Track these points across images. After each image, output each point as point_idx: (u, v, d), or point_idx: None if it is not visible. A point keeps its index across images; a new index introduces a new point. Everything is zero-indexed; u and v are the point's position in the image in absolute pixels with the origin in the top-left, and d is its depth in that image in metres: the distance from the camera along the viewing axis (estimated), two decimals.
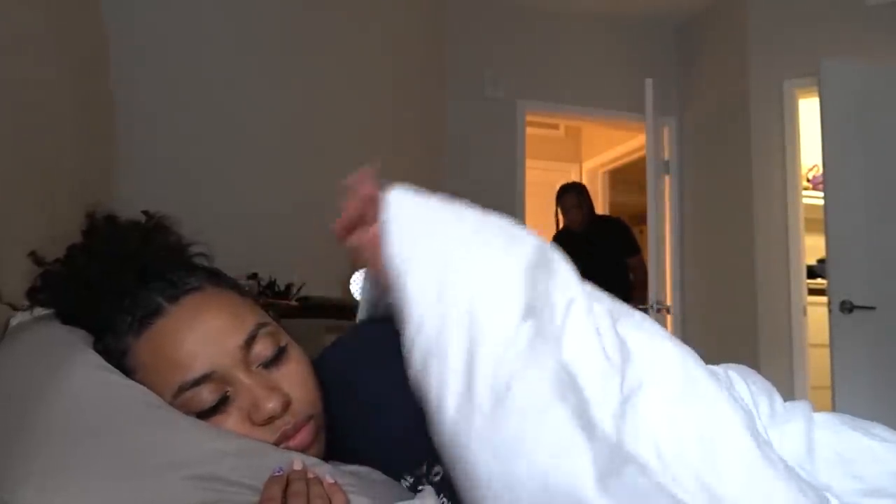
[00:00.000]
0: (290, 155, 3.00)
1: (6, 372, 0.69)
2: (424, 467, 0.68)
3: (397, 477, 0.70)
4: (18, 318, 0.86)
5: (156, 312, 0.68)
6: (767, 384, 0.79)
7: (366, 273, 0.82)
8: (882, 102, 2.91)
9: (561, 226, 3.83)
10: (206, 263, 0.82)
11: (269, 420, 0.66)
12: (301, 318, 2.32)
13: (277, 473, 0.58)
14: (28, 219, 1.59)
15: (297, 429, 0.67)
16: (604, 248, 3.57)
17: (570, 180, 5.22)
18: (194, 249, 0.87)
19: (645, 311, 3.22)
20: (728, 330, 3.47)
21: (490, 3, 3.71)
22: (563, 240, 3.81)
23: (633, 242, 3.65)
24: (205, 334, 0.67)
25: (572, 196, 3.71)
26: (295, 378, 0.70)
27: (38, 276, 0.81)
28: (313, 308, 2.53)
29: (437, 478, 0.68)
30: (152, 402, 0.64)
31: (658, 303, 3.17)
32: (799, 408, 0.74)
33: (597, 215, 3.80)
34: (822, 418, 0.73)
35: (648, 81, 3.25)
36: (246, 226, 2.80)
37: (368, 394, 0.73)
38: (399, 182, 0.88)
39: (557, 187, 5.18)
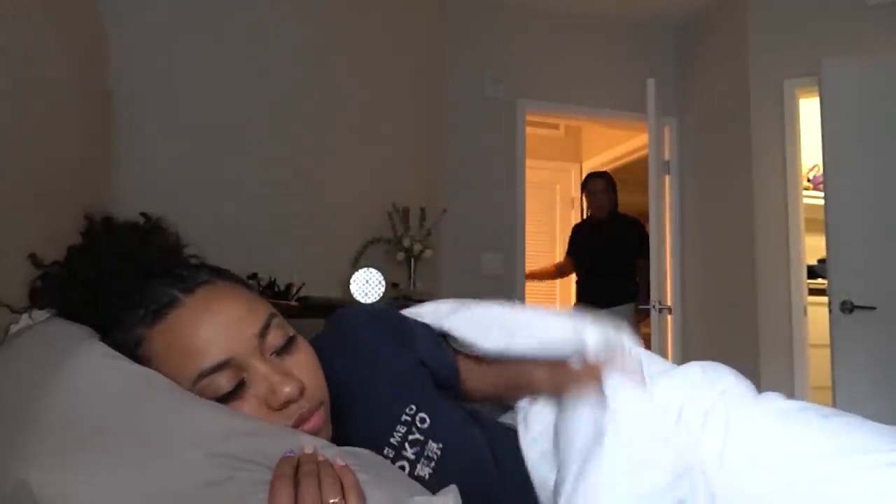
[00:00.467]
0: (290, 155, 3.00)
1: (14, 363, 0.69)
2: (412, 410, 0.77)
3: (387, 438, 0.76)
4: (21, 324, 0.86)
5: (170, 303, 0.69)
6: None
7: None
8: (883, 102, 2.90)
9: (585, 215, 3.90)
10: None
11: (286, 404, 0.68)
12: (301, 318, 2.32)
13: (289, 455, 0.60)
14: (26, 218, 1.59)
15: (311, 413, 0.70)
16: (618, 244, 3.63)
17: (570, 180, 5.24)
18: (188, 251, 0.88)
19: (647, 311, 3.22)
20: (728, 330, 3.47)
21: (490, 3, 3.71)
22: (583, 229, 3.90)
23: (642, 245, 3.60)
24: (221, 323, 0.69)
25: (600, 181, 3.77)
26: (304, 365, 0.73)
27: (38, 278, 0.81)
28: (313, 308, 2.53)
29: (426, 425, 0.76)
30: (163, 385, 0.65)
31: (660, 303, 3.17)
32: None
33: (619, 212, 3.80)
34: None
35: (650, 81, 3.25)
36: (246, 226, 2.80)
37: (354, 370, 0.81)
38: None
39: (558, 187, 5.22)
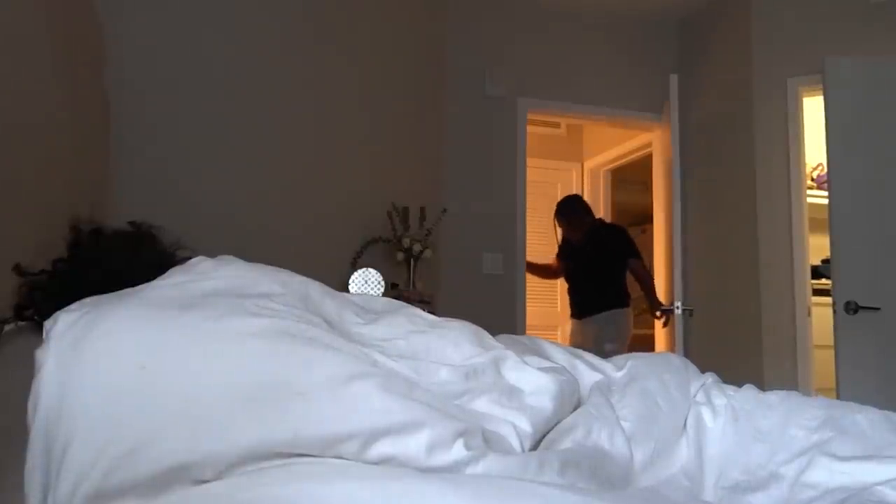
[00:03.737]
0: (289, 155, 2.98)
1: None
2: None
3: None
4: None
5: None
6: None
7: None
8: (887, 100, 2.87)
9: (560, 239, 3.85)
10: None
11: None
12: None
13: None
14: (20, 224, 1.56)
15: None
16: (601, 258, 3.58)
17: (571, 179, 5.21)
18: (182, 255, 0.86)
19: (670, 311, 3.19)
20: (732, 331, 3.44)
21: (491, 1, 3.68)
22: (567, 250, 3.82)
23: (626, 249, 3.58)
24: None
25: (561, 219, 3.71)
26: None
27: (24, 292, 0.80)
28: None
29: None
30: None
31: (681, 305, 3.11)
32: None
33: (599, 224, 3.75)
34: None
35: (673, 77, 3.21)
36: (244, 226, 2.77)
37: None
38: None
39: (559, 186, 5.18)
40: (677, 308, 3.10)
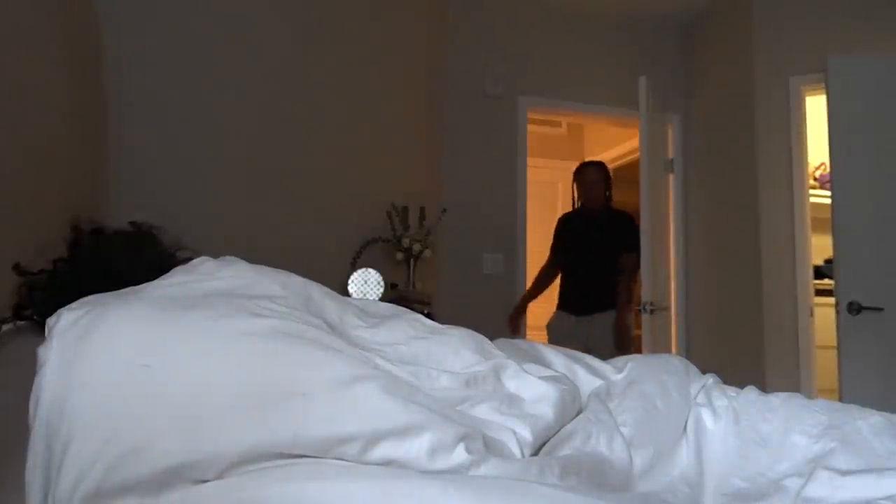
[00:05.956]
0: (288, 153, 2.97)
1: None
2: None
3: None
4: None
5: None
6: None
7: None
8: (890, 99, 2.86)
9: (576, 205, 3.47)
10: None
11: None
12: None
13: None
14: (18, 223, 1.56)
15: None
16: (608, 238, 3.28)
17: (571, 178, 5.19)
18: (183, 255, 0.86)
19: (638, 311, 3.10)
20: (734, 331, 3.43)
21: (491, 1, 3.68)
22: (574, 221, 3.48)
23: (631, 240, 3.22)
24: None
25: (594, 171, 3.37)
26: None
27: (23, 292, 0.80)
28: None
29: None
30: None
31: (652, 304, 3.04)
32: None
33: (612, 206, 3.39)
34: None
35: (642, 79, 3.19)
36: (243, 226, 2.77)
37: None
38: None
39: (560, 186, 5.17)
40: (643, 309, 3.01)
